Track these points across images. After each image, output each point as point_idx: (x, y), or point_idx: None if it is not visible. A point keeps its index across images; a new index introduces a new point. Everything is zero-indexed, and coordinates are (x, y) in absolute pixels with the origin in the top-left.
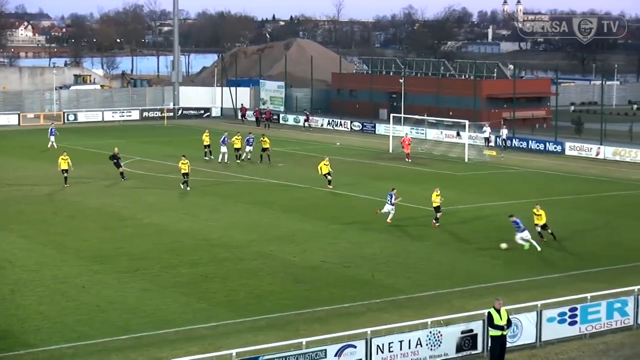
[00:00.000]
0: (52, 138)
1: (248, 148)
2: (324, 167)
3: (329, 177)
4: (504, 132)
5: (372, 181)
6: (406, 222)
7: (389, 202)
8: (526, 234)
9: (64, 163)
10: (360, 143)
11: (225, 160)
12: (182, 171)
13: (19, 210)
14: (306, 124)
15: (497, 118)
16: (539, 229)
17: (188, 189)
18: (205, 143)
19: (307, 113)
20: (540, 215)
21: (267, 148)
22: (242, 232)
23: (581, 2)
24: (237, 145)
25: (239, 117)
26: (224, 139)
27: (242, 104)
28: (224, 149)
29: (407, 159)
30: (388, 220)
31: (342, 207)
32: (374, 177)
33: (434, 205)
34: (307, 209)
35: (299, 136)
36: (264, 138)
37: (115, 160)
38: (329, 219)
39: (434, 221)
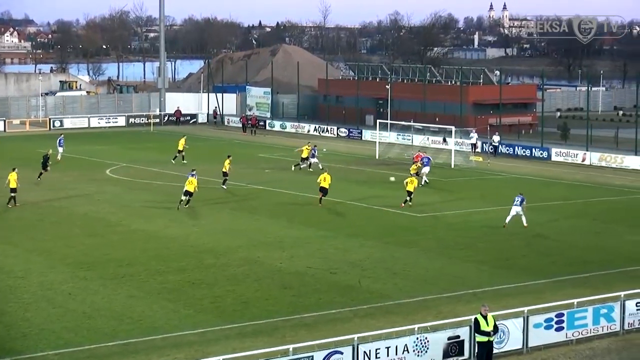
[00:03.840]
0: (61, 149)
1: (313, 160)
2: (323, 181)
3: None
4: (496, 138)
5: (358, 187)
6: (393, 228)
7: None
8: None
9: (13, 181)
10: (347, 149)
11: (309, 169)
12: (224, 169)
13: (4, 216)
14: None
15: (483, 124)
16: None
17: (224, 187)
18: (179, 148)
19: (250, 115)
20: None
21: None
22: (228, 238)
23: (566, 9)
24: (305, 155)
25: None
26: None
27: (177, 107)
28: (314, 160)
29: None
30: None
31: (328, 213)
32: (360, 183)
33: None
34: (294, 215)
35: (286, 142)
36: (308, 147)
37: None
38: (315, 225)
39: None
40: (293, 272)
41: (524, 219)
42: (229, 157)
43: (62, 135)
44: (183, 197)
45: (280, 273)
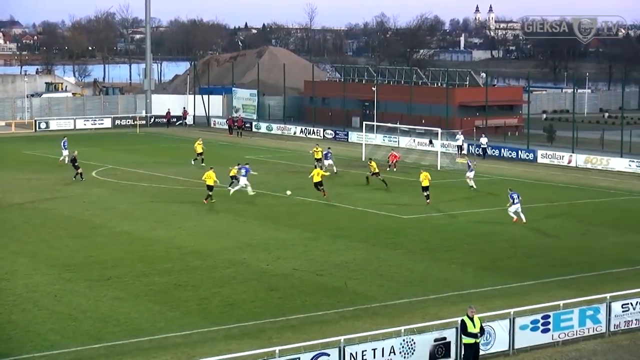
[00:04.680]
0: (65, 152)
1: (327, 162)
2: (316, 176)
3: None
4: (484, 140)
5: (344, 189)
6: (378, 230)
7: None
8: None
9: None
10: (333, 151)
11: (334, 171)
12: (231, 174)
13: None
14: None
15: (469, 126)
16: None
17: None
18: (197, 151)
19: (236, 117)
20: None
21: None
22: (214, 240)
23: (552, 10)
24: (318, 156)
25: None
26: (327, 153)
27: (168, 109)
28: (328, 162)
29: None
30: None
31: (314, 215)
32: (346, 185)
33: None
34: (280, 217)
35: (271, 144)
36: (317, 148)
37: (75, 164)
38: (301, 227)
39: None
40: (279, 274)
41: (522, 215)
42: (211, 169)
43: (66, 138)
44: (210, 193)
45: (266, 275)
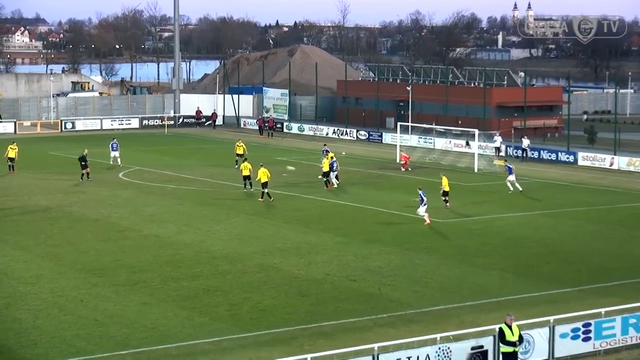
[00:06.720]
0: (116, 154)
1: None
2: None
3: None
4: (526, 142)
5: (377, 192)
6: (413, 234)
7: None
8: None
9: (12, 152)
10: (366, 152)
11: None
12: (252, 175)
13: (15, 221)
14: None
15: (507, 127)
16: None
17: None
18: (238, 152)
19: (267, 118)
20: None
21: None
22: (244, 244)
23: (593, 9)
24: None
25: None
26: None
27: (214, 110)
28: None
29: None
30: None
31: (346, 219)
32: (379, 187)
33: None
34: (311, 220)
35: (303, 145)
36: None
37: (83, 162)
38: (333, 231)
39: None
40: (311, 279)
41: (517, 185)
42: (261, 166)
43: (115, 140)
44: (264, 190)
45: (297, 280)
